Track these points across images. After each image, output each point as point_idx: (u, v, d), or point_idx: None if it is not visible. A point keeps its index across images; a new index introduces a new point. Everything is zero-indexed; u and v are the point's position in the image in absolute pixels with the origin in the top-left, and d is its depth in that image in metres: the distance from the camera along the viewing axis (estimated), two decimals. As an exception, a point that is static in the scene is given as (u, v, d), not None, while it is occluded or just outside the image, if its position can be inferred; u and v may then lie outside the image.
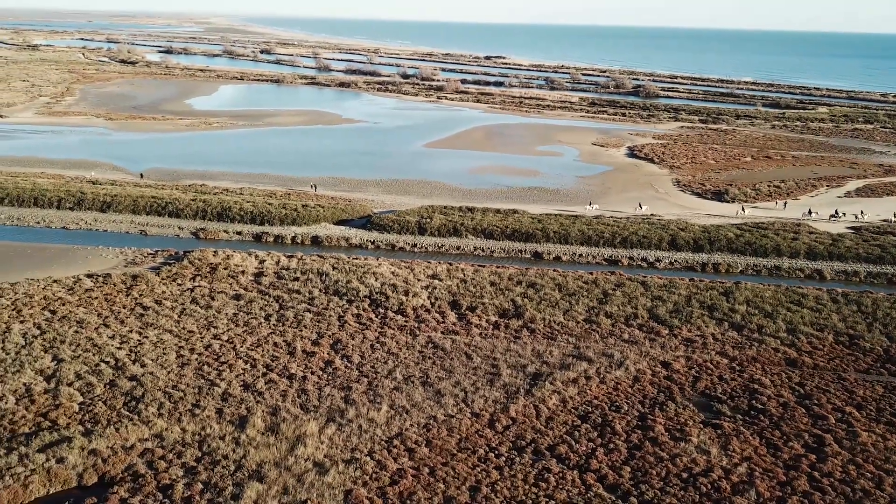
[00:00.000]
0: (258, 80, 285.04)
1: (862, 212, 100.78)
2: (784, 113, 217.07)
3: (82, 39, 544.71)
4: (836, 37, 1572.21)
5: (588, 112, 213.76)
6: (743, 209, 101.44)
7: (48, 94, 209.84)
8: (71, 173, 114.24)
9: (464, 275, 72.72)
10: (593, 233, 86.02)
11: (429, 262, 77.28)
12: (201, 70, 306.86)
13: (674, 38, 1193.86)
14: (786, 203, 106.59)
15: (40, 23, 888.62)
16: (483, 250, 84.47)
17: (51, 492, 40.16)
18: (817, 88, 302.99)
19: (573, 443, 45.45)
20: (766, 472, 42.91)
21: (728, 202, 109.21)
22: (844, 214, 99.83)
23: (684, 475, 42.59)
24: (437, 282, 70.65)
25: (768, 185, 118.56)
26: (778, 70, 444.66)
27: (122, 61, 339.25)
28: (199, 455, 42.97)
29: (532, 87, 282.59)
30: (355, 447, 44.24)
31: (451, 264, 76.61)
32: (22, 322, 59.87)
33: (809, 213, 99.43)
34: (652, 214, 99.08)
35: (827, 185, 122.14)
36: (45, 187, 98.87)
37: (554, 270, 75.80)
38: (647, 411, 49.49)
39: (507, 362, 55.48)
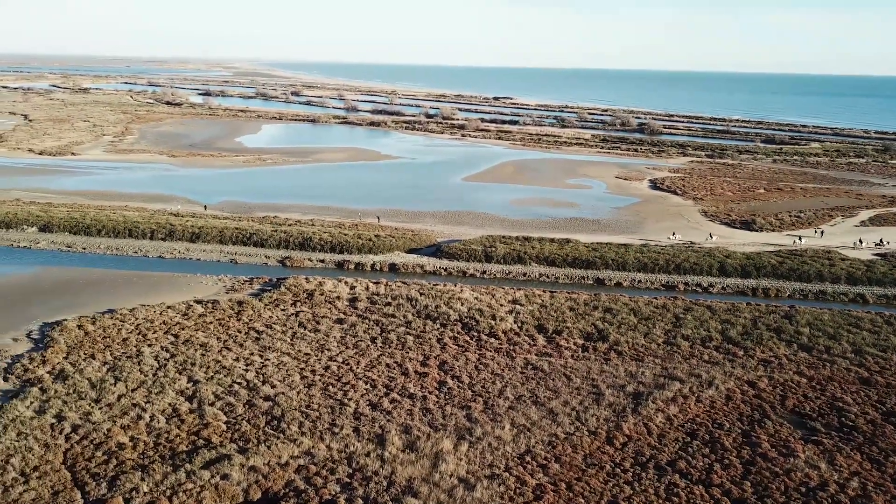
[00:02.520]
0: (295, 119, 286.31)
1: None
2: (781, 148, 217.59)
3: (126, 83, 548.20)
4: (809, 78, 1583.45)
5: (602, 148, 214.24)
6: (800, 238, 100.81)
7: (110, 134, 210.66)
8: (153, 206, 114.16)
9: (542, 300, 72.28)
10: (648, 260, 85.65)
11: (506, 289, 76.88)
12: (242, 111, 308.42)
13: (658, 80, 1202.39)
14: (822, 231, 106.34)
15: (84, 68, 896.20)
16: (548, 277, 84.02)
17: (221, 507, 39.49)
18: (804, 126, 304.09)
19: (690, 458, 44.78)
20: (879, 487, 42.20)
21: (757, 231, 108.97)
22: (889, 242, 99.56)
23: (802, 489, 41.89)
24: (518, 307, 70.19)
25: (790, 215, 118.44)
26: (762, 108, 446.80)
27: (168, 103, 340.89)
28: (350, 471, 42.31)
29: (545, 125, 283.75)
30: (491, 464, 43.57)
31: (528, 290, 76.23)
32: (150, 346, 59.41)
33: (860, 241, 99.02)
34: (692, 242, 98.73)
35: (841, 215, 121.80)
36: (135, 220, 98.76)
37: (621, 296, 75.37)
38: (748, 428, 48.81)
39: (605, 383, 54.88)
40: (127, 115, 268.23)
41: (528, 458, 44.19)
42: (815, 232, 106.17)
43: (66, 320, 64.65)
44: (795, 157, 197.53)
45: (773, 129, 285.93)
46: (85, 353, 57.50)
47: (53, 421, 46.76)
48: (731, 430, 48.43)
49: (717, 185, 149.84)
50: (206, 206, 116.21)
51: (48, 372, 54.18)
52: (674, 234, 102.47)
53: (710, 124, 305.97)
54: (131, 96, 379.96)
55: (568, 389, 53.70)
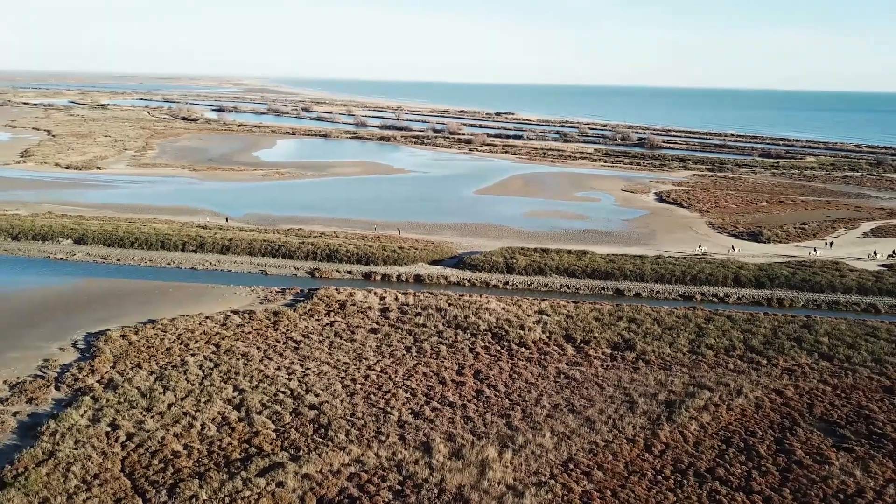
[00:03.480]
0: (308, 135, 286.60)
1: None
2: (778, 162, 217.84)
3: (141, 99, 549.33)
4: (792, 94, 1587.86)
5: (606, 162, 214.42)
6: (815, 250, 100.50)
7: (132, 149, 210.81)
8: (180, 219, 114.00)
9: (567, 311, 72.02)
10: (665, 271, 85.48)
11: (530, 299, 76.66)
12: (256, 126, 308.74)
13: (648, 96, 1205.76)
14: (832, 243, 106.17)
15: (100, 84, 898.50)
16: (568, 287, 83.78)
17: (279, 514, 39.12)
18: (797, 140, 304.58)
19: (728, 466, 44.43)
20: (915, 494, 41.87)
21: (764, 242, 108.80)
22: None
23: (840, 496, 41.52)
24: (545, 317, 69.91)
25: (794, 227, 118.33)
26: (753, 123, 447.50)
27: (184, 118, 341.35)
28: (401, 479, 41.97)
29: (548, 140, 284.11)
30: (536, 471, 43.21)
31: (552, 301, 75.99)
32: (193, 355, 59.11)
33: (875, 253, 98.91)
34: (704, 254, 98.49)
35: (844, 227, 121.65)
36: (166, 232, 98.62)
37: (643, 306, 75.08)
38: (780, 436, 48.45)
39: (637, 391, 54.56)
40: (146, 131, 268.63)
41: (571, 466, 43.85)
42: (826, 244, 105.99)
43: (109, 330, 64.40)
44: (793, 171, 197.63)
45: (768, 144, 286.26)
46: (131, 363, 57.23)
47: (108, 429, 46.45)
48: (764, 438, 48.09)
49: (720, 197, 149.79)
50: (227, 219, 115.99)
51: (98, 381, 53.90)
52: (700, 246, 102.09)
53: (706, 139, 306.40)
54: (148, 112, 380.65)
55: (602, 398, 53.39)
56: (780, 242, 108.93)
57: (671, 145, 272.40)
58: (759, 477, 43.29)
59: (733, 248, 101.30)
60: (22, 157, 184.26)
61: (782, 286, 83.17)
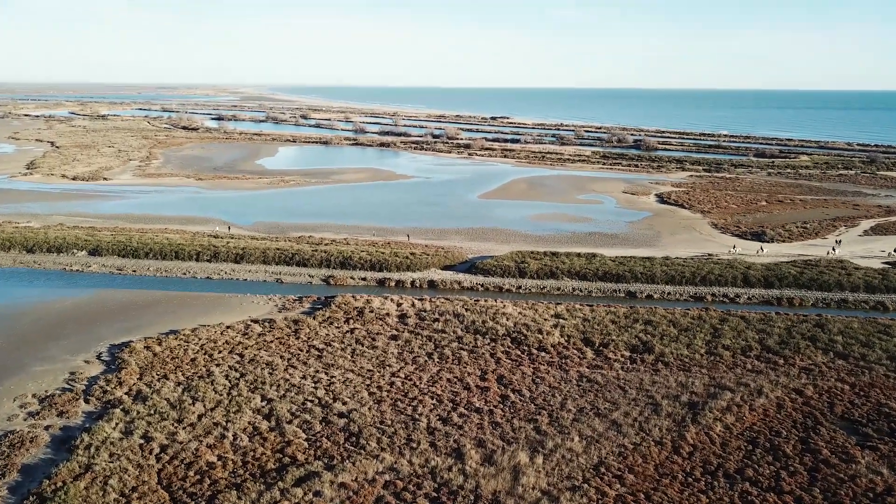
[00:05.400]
0: (308, 142, 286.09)
1: None
2: (773, 161, 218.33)
3: (140, 109, 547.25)
4: (774, 94, 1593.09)
5: (604, 164, 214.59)
6: (833, 249, 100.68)
7: (136, 158, 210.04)
8: (191, 228, 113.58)
9: (583, 314, 71.90)
10: (675, 273, 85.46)
11: (546, 303, 76.52)
12: (256, 134, 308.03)
13: (636, 98, 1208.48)
14: (840, 241, 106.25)
15: (98, 95, 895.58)
16: (581, 291, 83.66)
17: (318, 524, 38.86)
18: (790, 139, 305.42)
19: (756, 466, 44.35)
20: (943, 490, 41.84)
21: (768, 242, 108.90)
22: None
23: (871, 495, 41.48)
24: (562, 321, 69.79)
25: (796, 226, 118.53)
26: (733, 123, 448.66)
27: (185, 128, 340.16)
28: (436, 486, 41.76)
29: (545, 143, 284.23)
30: (569, 476, 43.04)
31: (568, 304, 75.85)
32: (218, 366, 58.79)
33: (895, 251, 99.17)
34: (741, 254, 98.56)
35: (844, 226, 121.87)
36: (179, 242, 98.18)
37: (657, 308, 74.99)
38: (804, 435, 48.42)
39: (659, 394, 54.45)
40: (148, 141, 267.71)
41: (602, 470, 43.70)
42: (836, 242, 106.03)
43: (132, 342, 64.04)
44: (788, 170, 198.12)
45: (762, 144, 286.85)
46: (157, 374, 56.88)
47: (142, 441, 46.13)
48: (789, 438, 48.03)
49: (720, 198, 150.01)
50: (229, 227, 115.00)
51: (126, 393, 53.56)
52: (734, 247, 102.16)
53: (700, 140, 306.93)
54: (148, 122, 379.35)
55: (625, 401, 53.26)
56: (783, 242, 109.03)
57: (666, 146, 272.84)
58: (788, 477, 43.23)
59: (762, 248, 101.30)
60: (28, 169, 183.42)
61: (791, 286, 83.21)
